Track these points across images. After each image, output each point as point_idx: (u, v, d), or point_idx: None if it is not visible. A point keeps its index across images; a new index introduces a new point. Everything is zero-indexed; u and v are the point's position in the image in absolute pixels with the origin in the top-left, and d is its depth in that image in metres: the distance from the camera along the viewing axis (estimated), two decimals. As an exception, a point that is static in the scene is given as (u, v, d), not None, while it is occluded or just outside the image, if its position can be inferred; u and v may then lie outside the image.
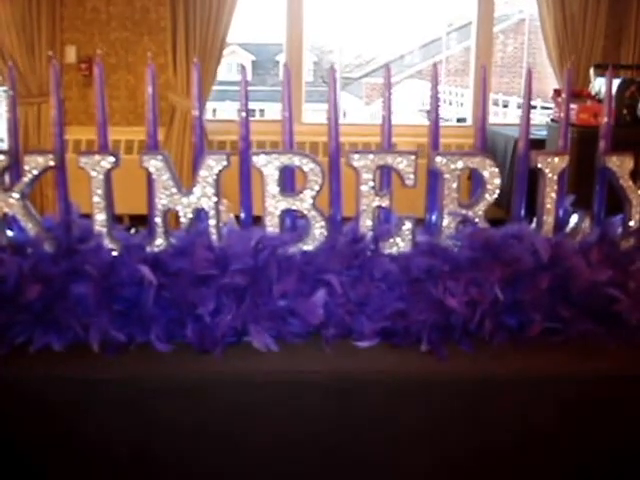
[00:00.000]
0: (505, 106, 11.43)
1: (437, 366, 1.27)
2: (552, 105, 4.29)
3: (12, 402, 1.26)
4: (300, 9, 5.59)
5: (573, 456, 1.29)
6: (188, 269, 1.29)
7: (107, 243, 1.34)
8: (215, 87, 5.47)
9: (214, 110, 7.74)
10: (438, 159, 1.37)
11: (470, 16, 5.84)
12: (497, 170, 1.39)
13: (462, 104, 11.33)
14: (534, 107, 5.69)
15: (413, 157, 1.37)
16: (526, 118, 1.49)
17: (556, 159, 1.40)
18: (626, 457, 1.30)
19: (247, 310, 1.28)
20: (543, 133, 3.80)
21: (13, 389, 1.26)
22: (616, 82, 3.53)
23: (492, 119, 7.69)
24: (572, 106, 3.71)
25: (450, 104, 12.92)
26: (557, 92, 3.96)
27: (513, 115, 10.44)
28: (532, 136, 3.38)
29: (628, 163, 1.43)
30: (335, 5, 16.54)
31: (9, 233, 1.36)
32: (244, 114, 1.40)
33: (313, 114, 6.23)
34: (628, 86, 3.35)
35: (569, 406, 1.27)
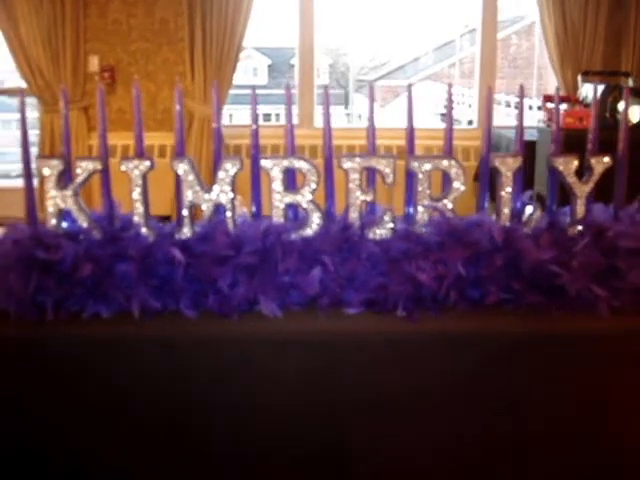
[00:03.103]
0: (517, 107, 11.61)
1: (410, 327, 1.57)
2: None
3: (68, 360, 1.58)
4: (311, 13, 5.81)
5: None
6: (210, 251, 1.60)
7: (144, 231, 1.65)
8: (232, 91, 5.74)
9: (230, 115, 8.04)
10: (412, 162, 1.67)
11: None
12: (462, 171, 1.69)
13: (470, 105, 11.54)
14: (530, 107, 5.91)
15: (392, 160, 1.67)
16: (520, 129, 1.79)
17: (510, 160, 1.70)
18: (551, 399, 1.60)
19: (257, 284, 1.59)
20: (535, 135, 4.07)
21: (69, 349, 1.58)
22: (600, 88, 3.82)
23: (502, 120, 7.89)
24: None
25: (461, 104, 13.12)
26: (547, 98, 4.23)
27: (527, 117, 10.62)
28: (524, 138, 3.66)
29: (572, 163, 1.72)
30: (349, 8, 16.74)
31: (64, 224, 1.68)
32: (254, 126, 1.71)
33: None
34: (611, 92, 3.62)
35: (518, 360, 1.58)
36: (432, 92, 14.79)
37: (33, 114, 8.66)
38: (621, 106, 3.77)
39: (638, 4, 5.50)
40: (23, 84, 5.90)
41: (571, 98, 3.95)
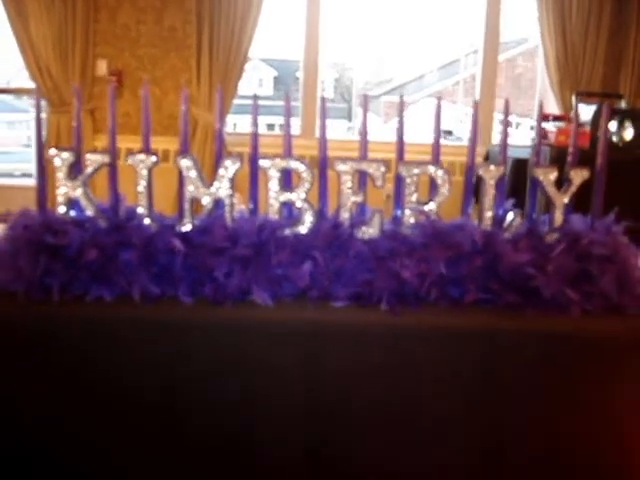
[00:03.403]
0: (518, 125, 11.71)
1: (393, 321, 1.68)
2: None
3: (72, 338, 1.68)
4: (317, 27, 5.92)
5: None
6: (208, 242, 1.71)
7: (147, 222, 1.76)
8: (236, 101, 5.85)
9: (234, 124, 8.15)
10: (401, 167, 1.79)
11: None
12: (447, 177, 1.80)
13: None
14: (532, 128, 6.01)
15: (382, 165, 1.79)
16: (504, 143, 1.90)
17: (492, 168, 1.81)
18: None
19: (251, 274, 1.70)
20: (530, 152, 4.18)
21: (73, 328, 1.68)
22: (593, 108, 3.93)
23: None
24: (552, 129, 4.12)
25: (463, 122, 13.23)
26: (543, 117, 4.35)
27: (525, 136, 10.75)
28: (519, 156, 3.79)
29: (551, 174, 1.83)
30: (357, 23, 16.91)
31: (72, 212, 1.79)
32: (254, 128, 1.82)
33: (330, 130, 6.59)
34: (608, 110, 3.73)
35: (492, 355, 1.69)
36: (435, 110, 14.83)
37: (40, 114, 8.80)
38: (612, 126, 3.90)
39: (638, 28, 5.60)
40: (29, 85, 6.02)
41: (565, 117, 4.07)
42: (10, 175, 8.52)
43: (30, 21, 5.62)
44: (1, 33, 6.13)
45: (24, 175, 8.38)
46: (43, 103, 5.95)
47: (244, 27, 5.57)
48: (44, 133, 6.00)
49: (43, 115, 6.27)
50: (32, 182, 6.90)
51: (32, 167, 7.92)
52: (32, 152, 8.88)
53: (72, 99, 5.66)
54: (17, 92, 7.13)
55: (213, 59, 5.63)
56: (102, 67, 5.91)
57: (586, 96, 4.64)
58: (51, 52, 5.68)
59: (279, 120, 11.56)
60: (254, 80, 16.00)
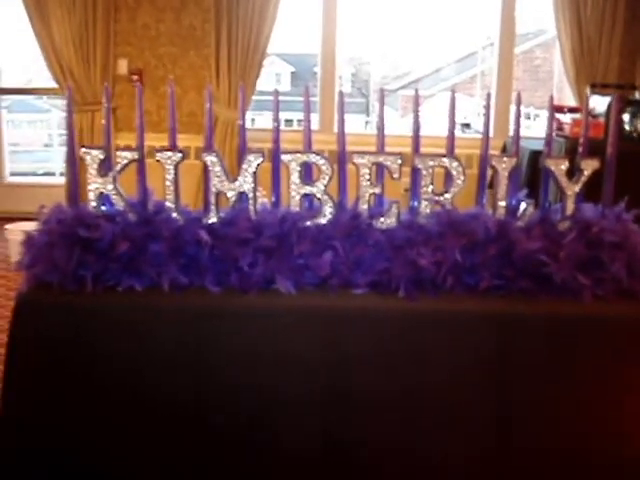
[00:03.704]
0: (536, 116, 11.69)
1: (410, 307, 1.76)
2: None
3: (105, 326, 1.77)
4: (334, 21, 5.99)
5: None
6: (233, 234, 1.79)
7: (175, 215, 1.84)
8: (255, 97, 5.94)
9: (252, 120, 8.24)
10: (417, 159, 1.86)
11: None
12: (462, 169, 1.87)
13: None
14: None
15: (398, 158, 1.86)
16: (516, 135, 1.96)
17: (506, 159, 1.88)
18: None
19: (275, 264, 1.78)
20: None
21: (106, 317, 1.77)
22: (607, 100, 3.98)
23: (521, 131, 8.00)
24: (568, 121, 4.17)
25: (481, 115, 13.18)
26: (557, 108, 4.40)
27: (543, 128, 10.71)
28: (536, 148, 3.84)
29: (562, 164, 1.90)
30: (373, 18, 16.94)
31: (103, 207, 1.87)
32: (276, 123, 1.90)
33: (348, 125, 6.64)
34: (619, 103, 3.78)
35: (506, 339, 1.76)
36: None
37: (61, 114, 8.92)
38: (627, 117, 3.94)
39: (653, 21, 5.63)
40: (48, 85, 6.13)
41: (580, 109, 4.11)
42: (33, 174, 8.66)
43: (52, 24, 5.74)
44: (20, 35, 6.24)
45: (47, 174, 8.53)
46: (64, 102, 6.07)
47: (262, 24, 5.65)
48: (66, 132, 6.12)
49: (64, 114, 6.38)
50: (55, 180, 7.03)
51: (55, 166, 8.06)
52: (54, 151, 9.02)
53: (94, 98, 5.78)
54: (39, 92, 7.25)
55: (232, 57, 5.71)
56: (123, 66, 6.02)
57: (601, 88, 4.67)
58: (73, 53, 5.80)
59: (297, 115, 11.64)
60: (271, 76, 16.07)
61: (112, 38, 5.94)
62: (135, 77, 5.98)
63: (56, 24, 5.74)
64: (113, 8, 5.88)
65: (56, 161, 8.22)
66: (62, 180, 6.24)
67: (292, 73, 17.54)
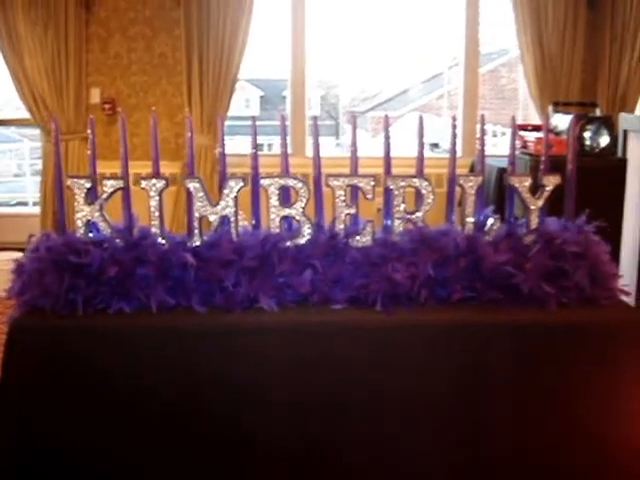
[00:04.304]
0: (502, 134, 11.84)
1: (387, 320, 1.86)
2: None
3: (96, 348, 1.85)
4: (303, 45, 6.07)
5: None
6: (217, 256, 1.88)
7: (160, 239, 1.93)
8: (226, 122, 6.01)
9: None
10: (389, 180, 1.97)
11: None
12: (431, 188, 1.98)
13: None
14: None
15: (372, 179, 1.97)
16: (481, 154, 2.07)
17: (472, 178, 2.00)
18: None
19: (257, 283, 1.87)
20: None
21: (97, 339, 1.85)
22: (569, 117, 4.13)
23: (487, 150, 8.13)
24: (531, 138, 4.31)
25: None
26: (520, 127, 4.54)
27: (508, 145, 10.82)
28: (503, 165, 3.95)
29: (525, 182, 2.01)
30: (340, 41, 17.13)
31: (90, 234, 1.96)
32: (254, 150, 2.00)
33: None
34: (578, 121, 3.92)
35: (478, 347, 1.86)
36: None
37: (35, 144, 8.93)
38: (587, 134, 4.09)
39: (612, 38, 5.76)
40: (18, 115, 6.16)
41: (542, 127, 4.24)
42: (6, 204, 8.66)
43: (24, 54, 5.79)
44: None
45: (19, 203, 8.53)
46: (37, 132, 6.12)
47: (232, 51, 5.73)
48: (41, 162, 6.17)
49: (38, 144, 6.44)
50: (29, 210, 7.06)
51: (27, 196, 8.06)
52: (26, 181, 9.01)
53: (67, 128, 5.82)
54: (7, 123, 7.28)
55: (203, 83, 5.79)
56: (95, 95, 6.07)
57: (563, 106, 4.83)
58: (46, 83, 5.85)
59: (267, 140, 11.74)
60: (241, 101, 16.16)
61: (84, 68, 5.98)
62: (108, 106, 6.05)
63: (28, 55, 5.79)
64: (85, 38, 5.94)
65: (28, 191, 8.23)
66: (36, 210, 6.27)
67: (261, 97, 17.62)
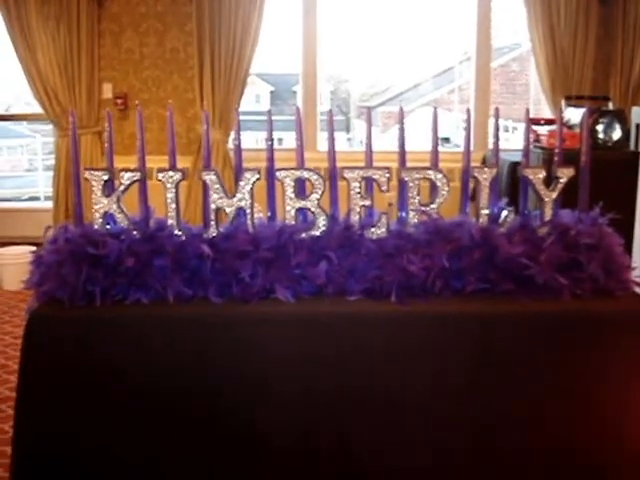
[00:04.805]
0: (514, 129, 11.82)
1: (402, 311, 1.87)
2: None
3: (114, 338, 1.87)
4: (314, 40, 6.09)
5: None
6: (233, 247, 1.90)
7: (177, 231, 1.95)
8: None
9: (234, 139, 8.31)
10: (404, 172, 1.98)
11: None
12: (446, 180, 1.99)
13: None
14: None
15: (387, 171, 1.98)
16: (496, 147, 2.08)
17: (486, 170, 2.01)
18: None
19: (273, 275, 1.89)
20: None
21: (114, 330, 1.87)
22: (582, 111, 4.12)
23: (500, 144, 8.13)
24: (543, 132, 4.31)
25: (460, 129, 13.35)
26: (533, 120, 4.54)
27: (521, 140, 10.78)
28: (515, 159, 3.97)
29: (539, 174, 2.02)
30: (351, 36, 17.11)
31: (108, 226, 1.98)
32: (270, 142, 2.01)
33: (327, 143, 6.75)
34: (590, 115, 3.92)
35: (492, 338, 1.87)
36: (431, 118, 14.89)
37: (47, 139, 8.98)
38: (600, 128, 4.09)
39: (624, 32, 5.76)
40: (29, 110, 6.19)
41: (556, 120, 4.24)
42: (18, 199, 8.71)
43: (37, 49, 5.83)
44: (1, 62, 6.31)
45: (31, 198, 8.59)
46: (49, 127, 6.15)
47: (244, 46, 5.75)
48: (53, 157, 6.20)
49: (51, 139, 6.46)
50: (41, 205, 7.10)
51: (39, 190, 8.10)
52: (37, 176, 9.06)
53: (80, 122, 5.84)
54: (19, 118, 7.33)
55: (215, 78, 5.81)
56: (108, 90, 6.10)
57: (575, 100, 4.83)
58: (58, 78, 5.89)
59: (278, 134, 11.74)
60: (251, 96, 16.16)
61: (97, 63, 6.02)
62: (120, 101, 6.07)
63: (41, 50, 5.83)
64: (97, 33, 5.98)
65: (40, 186, 8.27)
66: (48, 204, 6.31)
67: (271, 92, 17.60)
